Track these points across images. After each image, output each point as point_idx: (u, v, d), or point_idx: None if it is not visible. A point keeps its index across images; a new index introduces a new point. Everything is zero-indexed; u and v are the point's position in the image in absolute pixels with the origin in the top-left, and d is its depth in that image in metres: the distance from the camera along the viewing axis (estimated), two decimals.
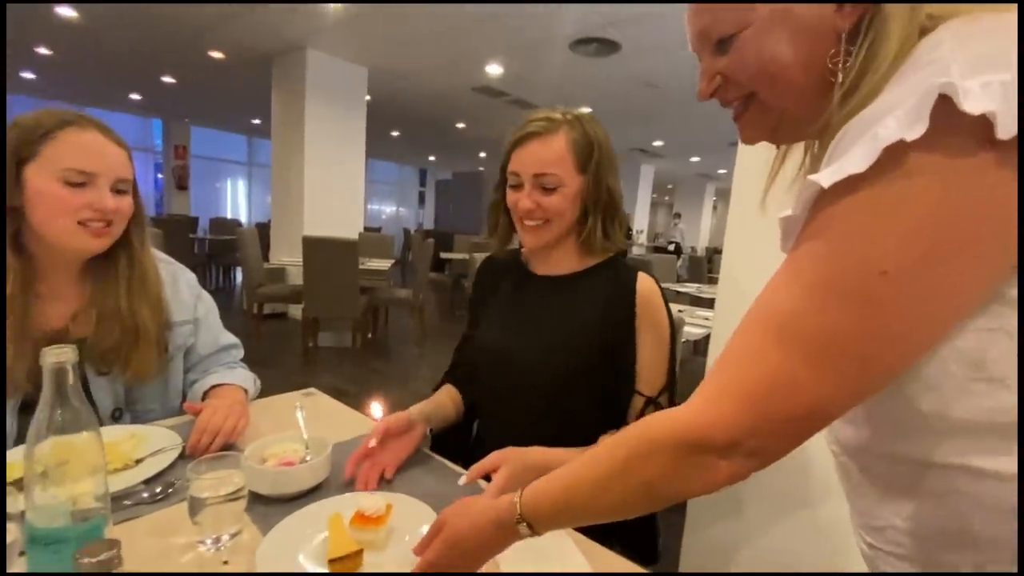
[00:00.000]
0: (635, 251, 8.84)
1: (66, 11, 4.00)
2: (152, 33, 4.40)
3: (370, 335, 4.51)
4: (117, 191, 0.88)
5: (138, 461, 0.79)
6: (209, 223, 8.53)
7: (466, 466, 0.81)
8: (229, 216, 10.17)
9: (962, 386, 0.38)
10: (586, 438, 0.85)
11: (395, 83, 5.40)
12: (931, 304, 0.37)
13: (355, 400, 1.09)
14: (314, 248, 3.57)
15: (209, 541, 0.56)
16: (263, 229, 5.47)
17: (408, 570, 0.57)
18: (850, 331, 0.38)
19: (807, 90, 0.46)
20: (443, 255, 6.62)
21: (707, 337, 1.88)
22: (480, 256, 3.16)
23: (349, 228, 5.13)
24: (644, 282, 0.92)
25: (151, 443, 0.84)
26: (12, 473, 0.65)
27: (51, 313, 0.88)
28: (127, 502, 0.70)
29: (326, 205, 4.96)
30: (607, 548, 0.68)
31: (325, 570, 0.60)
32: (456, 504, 0.58)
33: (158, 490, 0.73)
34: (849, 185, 0.37)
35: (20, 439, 0.82)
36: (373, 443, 0.81)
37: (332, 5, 3.64)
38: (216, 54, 4.89)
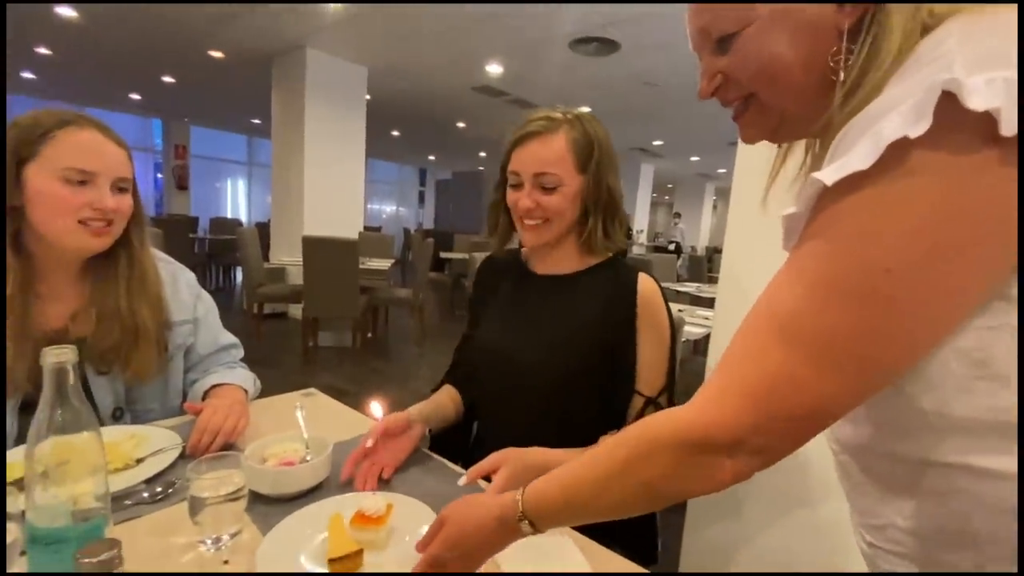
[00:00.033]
0: (635, 250, 8.84)
1: (66, 11, 4.00)
2: (152, 33, 4.40)
3: (370, 335, 4.51)
4: (117, 190, 0.88)
5: (138, 461, 0.79)
6: (209, 223, 8.53)
7: (466, 466, 0.81)
8: (229, 216, 10.17)
9: (964, 385, 0.38)
10: (586, 438, 0.85)
11: (395, 83, 5.40)
12: (936, 302, 0.37)
13: (355, 400, 1.09)
14: (314, 248, 3.57)
15: (209, 541, 0.56)
16: (263, 229, 5.47)
17: (408, 570, 0.57)
18: (853, 330, 0.38)
19: (807, 89, 0.46)
20: (443, 255, 6.62)
21: (707, 337, 1.88)
22: (480, 256, 3.16)
23: (349, 228, 5.13)
24: (645, 282, 0.92)
25: (151, 443, 0.84)
26: (13, 473, 0.65)
27: (51, 313, 0.88)
28: (127, 502, 0.70)
29: (326, 205, 4.96)
30: (607, 548, 0.68)
31: (325, 570, 0.60)
32: (458, 501, 0.58)
33: (158, 490, 0.73)
34: (852, 183, 0.36)
35: (20, 439, 0.82)
36: (370, 443, 0.81)
37: (332, 5, 3.64)
38: (216, 54, 4.89)
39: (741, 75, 0.48)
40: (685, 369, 2.48)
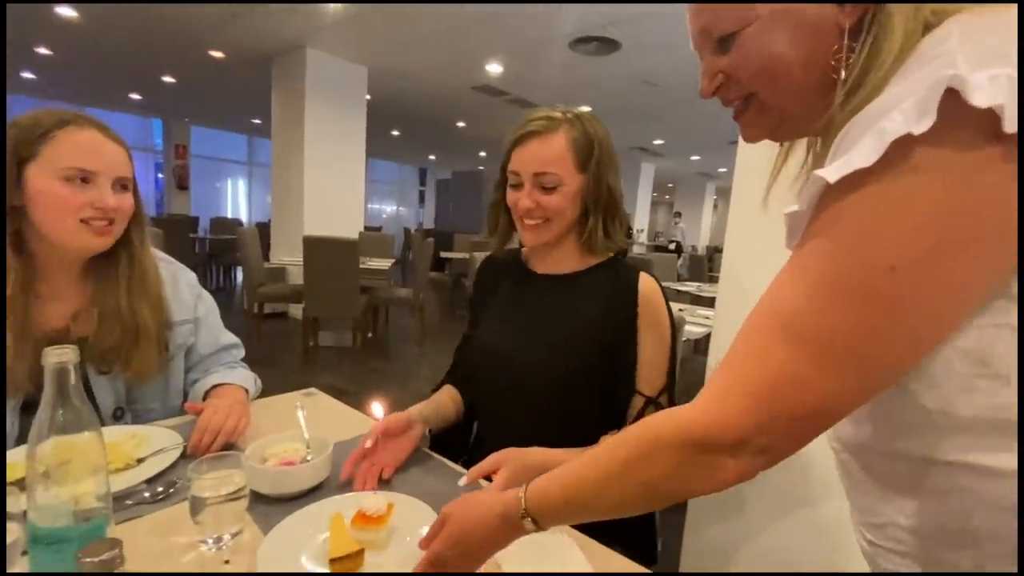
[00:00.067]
0: (635, 250, 8.84)
1: (66, 11, 4.00)
2: (152, 33, 4.40)
3: (370, 334, 4.51)
4: (118, 188, 0.88)
5: (140, 461, 0.79)
6: (209, 223, 8.53)
7: (467, 466, 0.81)
8: (229, 216, 10.18)
9: (966, 383, 0.38)
10: (586, 438, 0.85)
11: (395, 82, 5.40)
12: (939, 299, 0.36)
13: (355, 399, 1.09)
14: (314, 247, 3.57)
15: (210, 540, 0.56)
16: (263, 229, 5.47)
17: (409, 570, 0.57)
18: (856, 329, 0.38)
19: (808, 88, 0.46)
20: (443, 254, 6.62)
21: (708, 336, 1.88)
22: (480, 255, 3.16)
23: (349, 227, 5.13)
24: (646, 282, 0.92)
25: (152, 443, 0.84)
26: (14, 473, 0.65)
27: (52, 313, 0.88)
28: (129, 502, 0.70)
29: (326, 204, 4.96)
30: (607, 547, 0.68)
31: (326, 570, 0.60)
32: (460, 499, 0.58)
33: (159, 490, 0.73)
34: (855, 180, 0.36)
35: (22, 439, 0.82)
36: (369, 443, 0.81)
37: (332, 5, 3.64)
38: (216, 54, 4.89)
39: (742, 74, 0.48)
40: (686, 368, 2.48)
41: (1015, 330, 0.36)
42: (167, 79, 6.00)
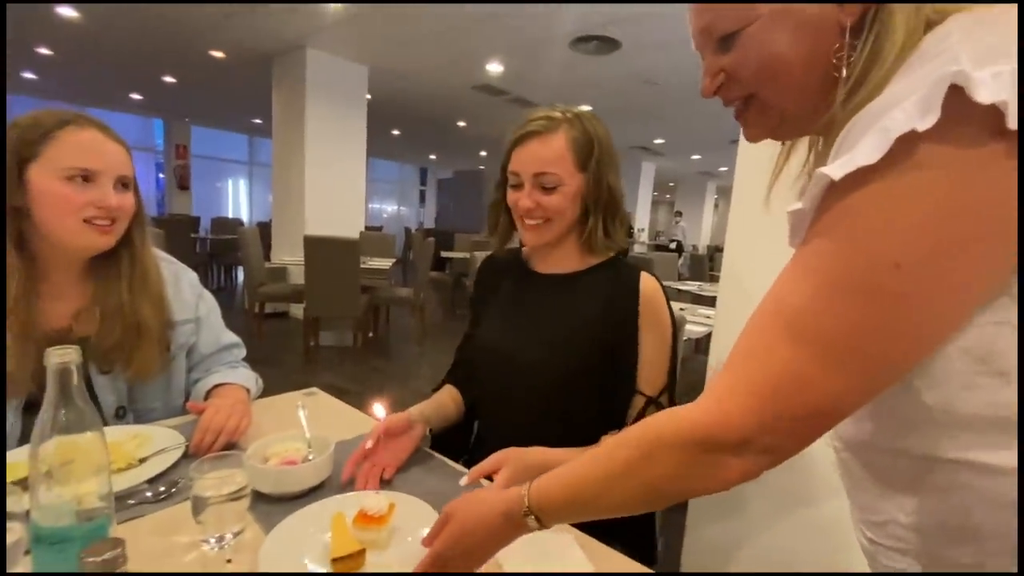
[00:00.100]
0: (636, 249, 8.84)
1: (67, 11, 4.00)
2: (153, 33, 4.40)
3: (371, 334, 4.52)
4: (120, 187, 0.88)
5: (142, 460, 0.79)
6: (210, 223, 8.53)
7: (467, 465, 0.81)
8: (230, 215, 10.18)
9: (968, 381, 0.38)
10: (587, 437, 0.85)
11: (395, 82, 5.40)
12: (944, 297, 0.36)
13: (356, 399, 1.09)
14: (315, 247, 3.57)
15: (212, 540, 0.56)
16: (264, 228, 5.47)
17: (410, 569, 0.57)
18: (860, 326, 0.38)
19: (809, 86, 0.46)
20: (444, 254, 6.62)
21: (708, 335, 1.88)
22: (481, 255, 3.16)
23: (350, 227, 5.13)
24: (647, 282, 0.92)
25: (154, 443, 0.84)
26: (17, 473, 0.65)
27: (54, 312, 0.89)
28: (131, 501, 0.70)
29: (327, 204, 4.96)
30: (608, 546, 0.68)
31: (328, 569, 0.60)
32: (462, 497, 0.58)
33: (162, 489, 0.73)
34: (859, 177, 0.36)
35: (24, 439, 0.82)
36: (370, 444, 0.81)
37: (332, 5, 3.64)
38: (217, 54, 4.89)
39: (743, 73, 0.48)
40: (686, 368, 2.48)
41: (1016, 328, 0.36)
42: (168, 79, 6.01)
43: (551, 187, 0.89)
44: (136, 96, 7.11)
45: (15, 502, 0.49)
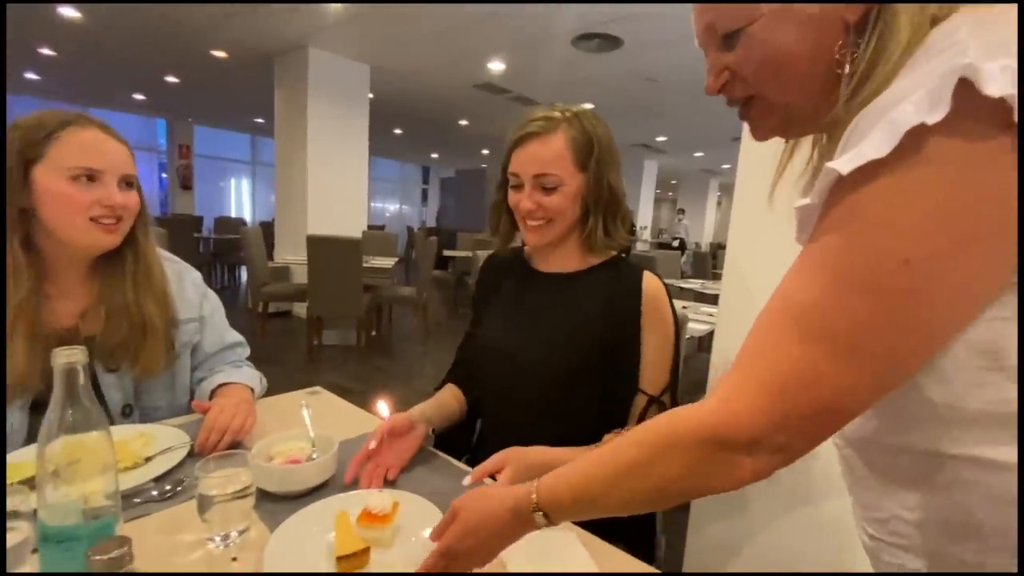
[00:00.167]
0: (639, 247, 8.82)
1: (69, 11, 4.01)
2: (155, 33, 4.41)
3: (374, 333, 4.53)
4: (124, 186, 0.89)
5: (148, 459, 0.80)
6: (213, 222, 8.54)
7: (470, 464, 0.81)
8: (233, 215, 10.19)
9: (975, 377, 0.38)
10: (589, 436, 0.85)
11: (397, 81, 5.40)
12: (954, 292, 0.36)
13: (359, 398, 1.09)
14: (318, 246, 3.58)
15: (218, 538, 0.57)
16: (267, 228, 5.49)
17: (414, 568, 0.57)
18: (871, 323, 0.37)
19: (812, 84, 0.46)
20: (446, 252, 6.63)
21: (711, 333, 1.88)
22: (483, 253, 3.16)
23: (353, 226, 5.14)
24: (650, 281, 0.92)
25: (160, 442, 0.85)
26: (24, 472, 0.66)
27: (61, 312, 0.89)
28: (137, 500, 0.70)
29: (329, 203, 4.97)
30: (610, 544, 0.68)
31: (332, 567, 0.61)
32: (470, 493, 0.58)
33: (167, 488, 0.73)
34: (868, 172, 0.36)
35: (31, 438, 0.83)
36: (374, 444, 0.81)
37: (333, 4, 3.64)
38: (219, 53, 4.90)
39: (747, 70, 0.48)
40: (689, 366, 2.47)
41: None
42: (170, 79, 6.02)
43: (551, 188, 0.89)
44: (139, 96, 7.13)
45: (23, 501, 0.50)
